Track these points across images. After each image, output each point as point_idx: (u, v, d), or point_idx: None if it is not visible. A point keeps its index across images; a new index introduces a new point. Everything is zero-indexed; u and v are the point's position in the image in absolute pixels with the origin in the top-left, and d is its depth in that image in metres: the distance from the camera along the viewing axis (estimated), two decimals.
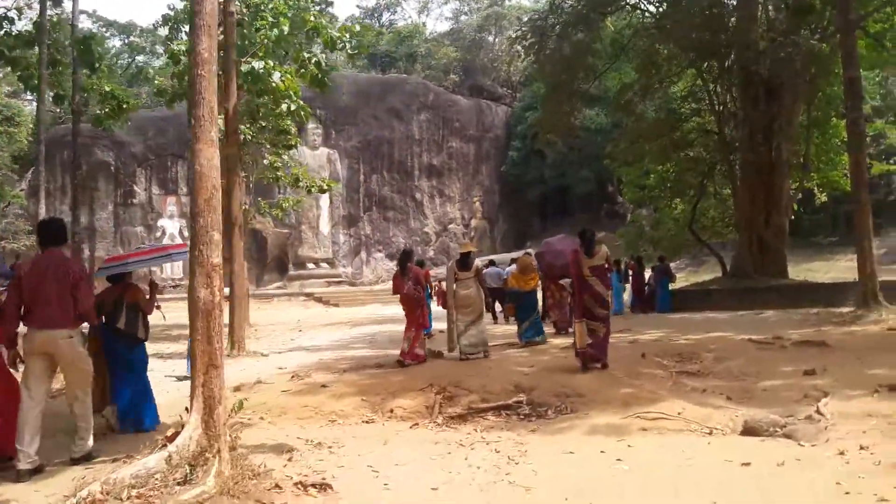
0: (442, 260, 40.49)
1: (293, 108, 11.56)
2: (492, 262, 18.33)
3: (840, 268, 32.68)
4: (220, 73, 12.30)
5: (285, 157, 18.04)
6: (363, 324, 19.92)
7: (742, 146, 20.34)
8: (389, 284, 38.49)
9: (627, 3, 20.70)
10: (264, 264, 40.95)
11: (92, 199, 37.46)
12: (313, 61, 11.86)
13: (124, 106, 16.66)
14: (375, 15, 53.61)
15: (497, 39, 46.48)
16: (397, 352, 9.95)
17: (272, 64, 11.37)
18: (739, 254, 20.61)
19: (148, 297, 6.56)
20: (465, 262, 10.17)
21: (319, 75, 12.06)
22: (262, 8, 13.19)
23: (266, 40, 11.70)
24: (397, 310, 25.10)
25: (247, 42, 12.14)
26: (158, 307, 6.80)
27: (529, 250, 39.88)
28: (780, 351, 9.92)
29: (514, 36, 21.28)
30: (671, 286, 19.78)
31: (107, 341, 6.27)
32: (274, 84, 11.35)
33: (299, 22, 11.82)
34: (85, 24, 46.49)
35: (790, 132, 20.19)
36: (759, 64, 19.35)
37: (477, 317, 10.03)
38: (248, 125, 17.36)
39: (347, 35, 12.90)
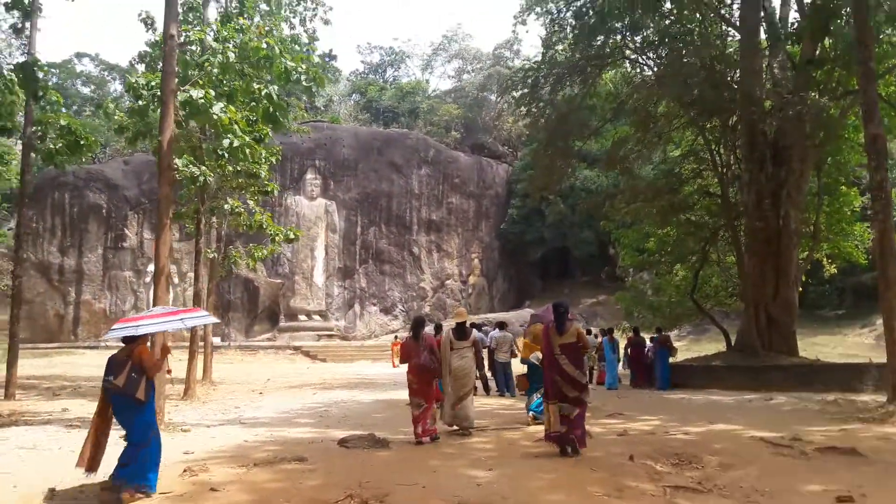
0: (438, 316, 38.46)
1: (235, 143, 9.80)
2: (474, 326, 16.39)
3: (849, 344, 30.45)
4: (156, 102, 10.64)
5: (250, 202, 16.29)
6: (334, 387, 17.83)
7: (748, 211, 18.47)
8: (381, 340, 36.41)
9: (625, 57, 19.08)
10: (255, 315, 39.10)
11: (81, 242, 35.89)
12: (263, 93, 10.16)
13: (81, 143, 15.01)
14: (380, 71, 52.81)
15: (499, 99, 45.41)
16: (340, 434, 8.57)
17: (212, 94, 9.67)
18: (745, 328, 18.51)
19: (158, 358, 6.38)
20: (461, 330, 9.50)
21: (272, 110, 10.36)
22: (210, 34, 11.60)
23: (209, 67, 10.04)
24: (381, 370, 23.04)
25: (189, 71, 10.50)
26: (169, 371, 6.74)
27: (531, 311, 37.95)
28: (802, 459, 7.80)
29: (504, 86, 19.60)
30: (671, 360, 17.72)
31: (115, 402, 6.06)
32: (215, 117, 9.64)
33: (249, 50, 10.21)
34: (88, 66, 45.81)
35: (799, 199, 18.35)
36: (765, 123, 17.67)
37: (466, 393, 9.39)
38: (211, 165, 15.70)
39: (303, 66, 11.24)
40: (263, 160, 17.31)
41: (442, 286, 42.59)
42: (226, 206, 15.45)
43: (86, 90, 44.77)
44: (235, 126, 10.09)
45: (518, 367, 19.40)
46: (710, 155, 18.88)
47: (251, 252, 18.41)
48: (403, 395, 14.89)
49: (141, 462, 6.00)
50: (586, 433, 8.06)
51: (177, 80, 10.38)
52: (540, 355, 8.99)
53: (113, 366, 6.05)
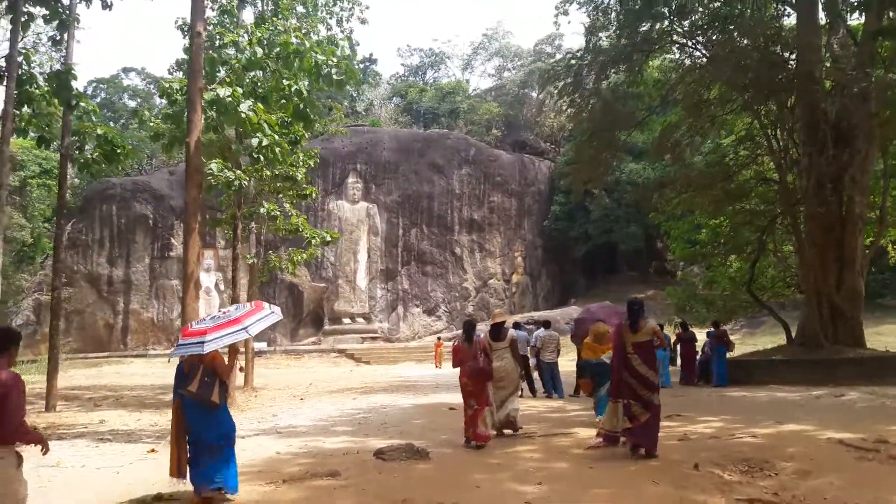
0: (482, 316, 37.76)
1: (265, 142, 9.29)
2: (517, 325, 15.68)
3: None
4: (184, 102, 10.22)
5: (287, 205, 15.86)
6: (375, 391, 17.29)
7: (807, 197, 17.30)
8: (425, 341, 35.78)
9: (673, 42, 18.04)
10: (300, 319, 38.98)
11: (129, 252, 36.26)
12: (293, 89, 9.63)
13: (118, 151, 14.76)
14: (419, 73, 52.28)
15: (540, 93, 44.46)
16: (378, 443, 8.08)
17: (240, 92, 9.19)
18: (807, 319, 17.35)
19: (229, 361, 6.14)
20: (497, 332, 9.16)
21: (302, 107, 9.82)
22: (245, 36, 11.11)
23: (236, 64, 9.56)
24: (424, 371, 22.46)
25: (217, 69, 10.04)
26: (241, 369, 6.88)
27: (576, 308, 36.94)
28: (890, 465, 6.91)
29: (546, 77, 18.70)
30: (728, 355, 16.69)
31: (189, 407, 5.94)
32: (243, 115, 9.15)
33: (278, 45, 9.68)
34: (134, 80, 46.41)
35: (863, 182, 17.11)
36: (826, 103, 16.52)
37: (512, 391, 9.17)
38: (248, 169, 15.32)
39: (333, 59, 10.64)
40: (301, 163, 16.92)
41: (485, 286, 41.85)
42: (262, 211, 15.00)
43: (132, 104, 45.37)
44: (264, 125, 9.58)
45: (565, 368, 18.69)
46: (766, 139, 17.73)
47: (291, 256, 17.99)
48: (444, 398, 14.38)
49: (218, 466, 5.93)
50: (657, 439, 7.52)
51: (205, 80, 9.96)
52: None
53: (184, 372, 6.01)
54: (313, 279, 38.75)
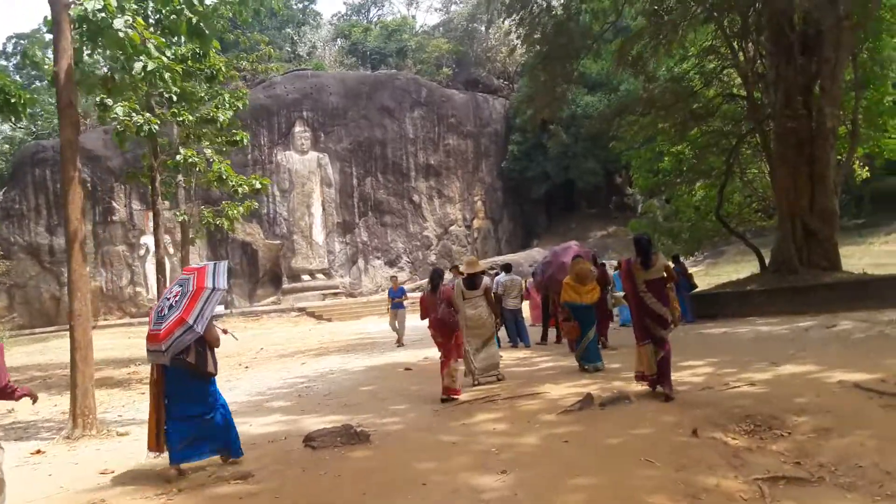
0: (444, 264, 36.30)
1: (150, 66, 7.46)
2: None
3: (876, 253, 28.05)
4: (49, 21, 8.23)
5: (207, 151, 13.93)
6: (329, 352, 15.77)
7: (776, 112, 15.92)
8: (386, 295, 34.53)
9: None
10: (257, 279, 37.03)
11: None
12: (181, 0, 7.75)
13: (11, 100, 12.58)
14: (363, 11, 49.30)
15: (491, 29, 42.08)
16: (314, 422, 6.90)
17: (114, 5, 7.30)
18: (780, 244, 16.18)
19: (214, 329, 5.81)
20: (472, 281, 8.83)
21: (195, 21, 7.95)
22: None
23: None
24: (385, 326, 21.00)
25: None
26: (226, 332, 6.16)
27: (539, 250, 35.66)
28: None
29: None
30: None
31: (174, 379, 5.64)
32: (119, 34, 7.28)
33: None
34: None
35: (834, 93, 15.70)
36: (792, 11, 15.03)
37: (488, 338, 8.95)
38: (163, 113, 13.32)
39: None
40: (227, 104, 14.91)
41: (446, 233, 40.24)
42: (177, 157, 13.08)
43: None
44: (151, 46, 7.69)
45: (528, 314, 17.38)
46: (731, 51, 16.18)
47: (225, 211, 16.10)
48: (400, 357, 12.92)
49: (210, 436, 5.75)
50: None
51: None
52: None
53: None
54: (267, 236, 36.66)
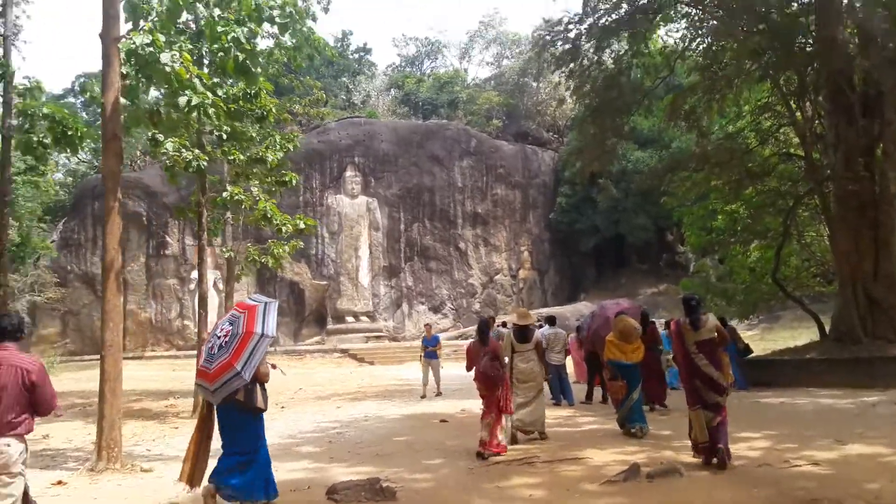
0: (489, 313, 35.84)
1: (194, 101, 7.50)
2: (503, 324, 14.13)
3: None
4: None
5: (254, 189, 14.02)
6: (367, 396, 15.43)
7: (836, 174, 15.30)
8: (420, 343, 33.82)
9: (679, 1, 15.83)
10: (302, 318, 37.15)
11: (123, 251, 34.24)
12: (230, 37, 7.79)
13: (69, 133, 12.94)
14: (416, 63, 50.21)
15: (541, 83, 42.23)
16: (342, 471, 6.51)
17: (162, 40, 7.40)
18: (841, 311, 15.36)
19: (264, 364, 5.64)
20: (523, 334, 8.61)
21: (241, 59, 8.00)
22: None
23: (159, 8, 7.75)
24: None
25: (141, 15, 8.18)
26: (274, 367, 5.98)
27: (586, 304, 34.95)
28: None
29: (538, 42, 16.64)
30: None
31: (224, 414, 5.52)
32: (166, 68, 7.35)
33: None
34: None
35: None
36: (851, 70, 14.57)
37: (538, 393, 8.63)
38: (213, 151, 13.49)
39: (277, 0, 8.75)
40: (278, 146, 15.08)
41: (491, 281, 39.87)
42: (224, 194, 13.18)
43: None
44: (197, 81, 7.75)
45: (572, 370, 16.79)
46: (787, 110, 15.71)
47: (271, 249, 16.13)
48: (439, 407, 12.49)
49: (257, 475, 5.60)
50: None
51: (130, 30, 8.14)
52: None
53: None
54: (314, 277, 36.91)
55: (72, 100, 41.57)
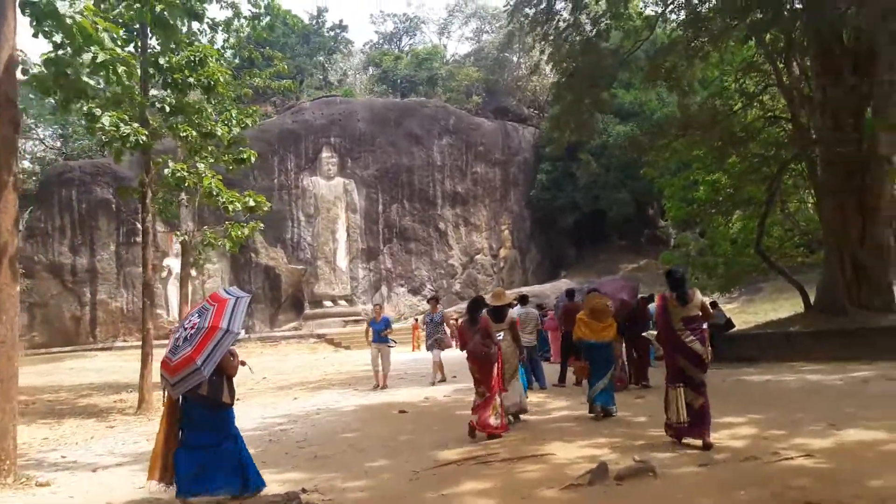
0: (469, 294, 34.92)
1: (101, 58, 6.41)
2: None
3: None
4: None
5: (200, 165, 12.84)
6: (331, 385, 14.46)
7: (824, 137, 14.40)
8: (410, 322, 32.76)
9: None
10: (279, 304, 36.05)
11: (92, 239, 33.19)
12: None
13: None
14: (394, 40, 48.68)
15: (521, 58, 40.99)
16: (270, 479, 5.49)
17: None
18: (827, 282, 14.56)
19: (232, 357, 5.55)
20: (498, 313, 8.21)
21: (159, 9, 6.85)
22: None
23: None
24: (400, 356, 19.59)
25: None
26: (243, 363, 5.76)
27: (566, 282, 34.06)
28: None
29: (511, 3, 15.46)
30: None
31: (188, 407, 5.40)
32: (68, 21, 6.22)
33: None
34: None
35: (889, 116, 14.20)
36: (841, 27, 13.61)
37: (512, 374, 8.20)
38: (158, 124, 12.36)
39: None
40: (234, 121, 13.91)
41: (472, 262, 38.89)
42: (166, 171, 12.04)
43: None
44: (105, 36, 6.63)
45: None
46: (774, 70, 14.72)
47: (228, 232, 15.01)
48: (401, 395, 11.50)
49: (223, 467, 5.35)
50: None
51: None
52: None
53: None
54: (290, 261, 35.77)
55: None
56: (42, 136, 39.75)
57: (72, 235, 33.08)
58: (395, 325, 34.31)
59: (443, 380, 13.16)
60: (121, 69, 6.87)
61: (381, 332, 13.04)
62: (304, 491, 5.37)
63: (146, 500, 5.65)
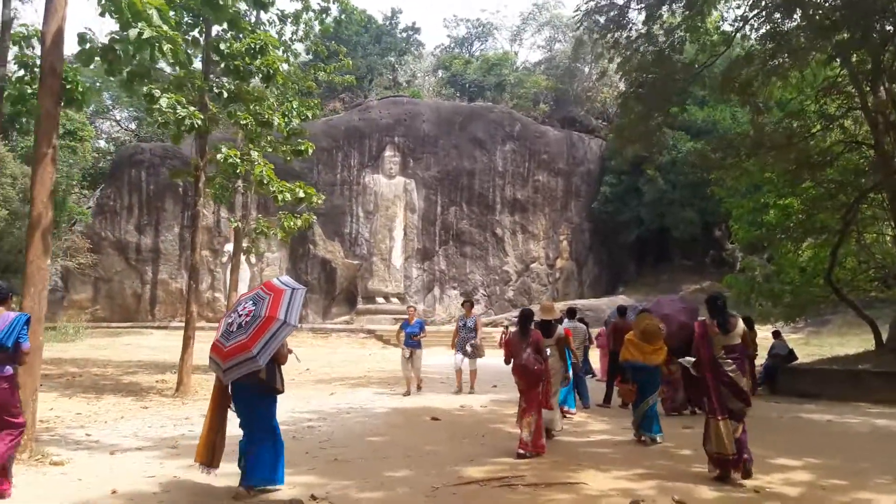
0: (522, 302, 34.39)
1: (146, 34, 6.34)
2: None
3: None
4: None
5: (254, 152, 12.81)
6: (370, 383, 14.23)
7: None
8: (453, 326, 32.28)
9: None
10: (333, 296, 36.30)
11: (158, 220, 34.15)
12: None
13: (68, 87, 11.99)
14: (466, 44, 48.37)
15: (592, 69, 40.17)
16: (287, 480, 5.44)
17: None
18: None
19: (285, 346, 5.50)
20: (546, 328, 7.93)
21: None
22: None
23: None
24: (447, 360, 19.18)
25: None
26: (290, 351, 5.67)
27: (624, 297, 33.12)
28: None
29: (584, 10, 14.80)
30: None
31: (240, 393, 5.42)
32: None
33: None
34: None
35: None
36: None
37: (555, 392, 7.97)
38: (216, 109, 12.38)
39: None
40: (294, 112, 13.89)
41: (527, 269, 38.27)
42: (219, 156, 12.03)
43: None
44: (154, 13, 6.57)
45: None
46: (858, 92, 13.76)
47: (282, 221, 14.99)
48: (436, 402, 11.13)
49: (264, 460, 5.36)
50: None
51: None
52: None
53: None
54: (347, 255, 36.02)
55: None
56: (119, 119, 41.13)
57: (139, 215, 34.09)
58: (447, 328, 34.11)
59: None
60: (166, 47, 6.76)
61: (413, 336, 12.43)
62: (313, 498, 5.09)
63: (151, 490, 5.46)
